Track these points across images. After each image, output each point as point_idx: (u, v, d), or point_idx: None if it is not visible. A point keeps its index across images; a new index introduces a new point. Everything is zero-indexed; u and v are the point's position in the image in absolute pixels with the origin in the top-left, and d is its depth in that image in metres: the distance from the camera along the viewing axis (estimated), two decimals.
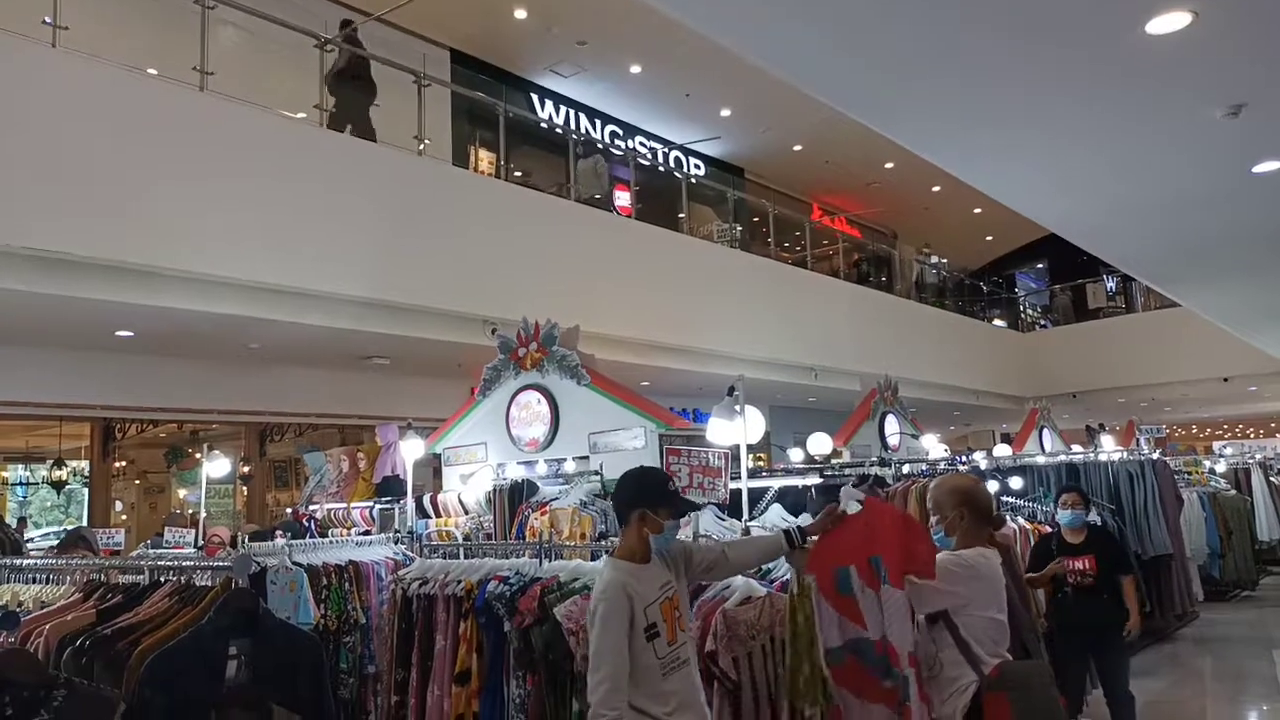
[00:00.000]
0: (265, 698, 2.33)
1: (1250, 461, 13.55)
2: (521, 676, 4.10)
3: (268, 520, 10.54)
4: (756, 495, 5.48)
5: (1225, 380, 17.75)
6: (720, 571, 3.37)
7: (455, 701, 4.27)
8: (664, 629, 3.02)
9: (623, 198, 13.52)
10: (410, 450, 6.50)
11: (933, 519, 3.50)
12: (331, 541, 5.60)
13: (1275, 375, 17.22)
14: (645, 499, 3.13)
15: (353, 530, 7.13)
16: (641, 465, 3.42)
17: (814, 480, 5.69)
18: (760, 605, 3.63)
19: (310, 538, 6.34)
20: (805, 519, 4.66)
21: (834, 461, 7.66)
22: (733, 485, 4.66)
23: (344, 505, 7.45)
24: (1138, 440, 12.36)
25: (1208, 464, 13.36)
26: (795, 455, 9.17)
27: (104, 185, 6.89)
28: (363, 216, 8.53)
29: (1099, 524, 5.49)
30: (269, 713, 2.32)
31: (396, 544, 5.69)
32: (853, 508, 3.31)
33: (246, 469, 11.20)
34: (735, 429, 4.48)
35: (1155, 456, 9.62)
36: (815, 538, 3.31)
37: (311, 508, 7.63)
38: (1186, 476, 11.38)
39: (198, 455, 10.28)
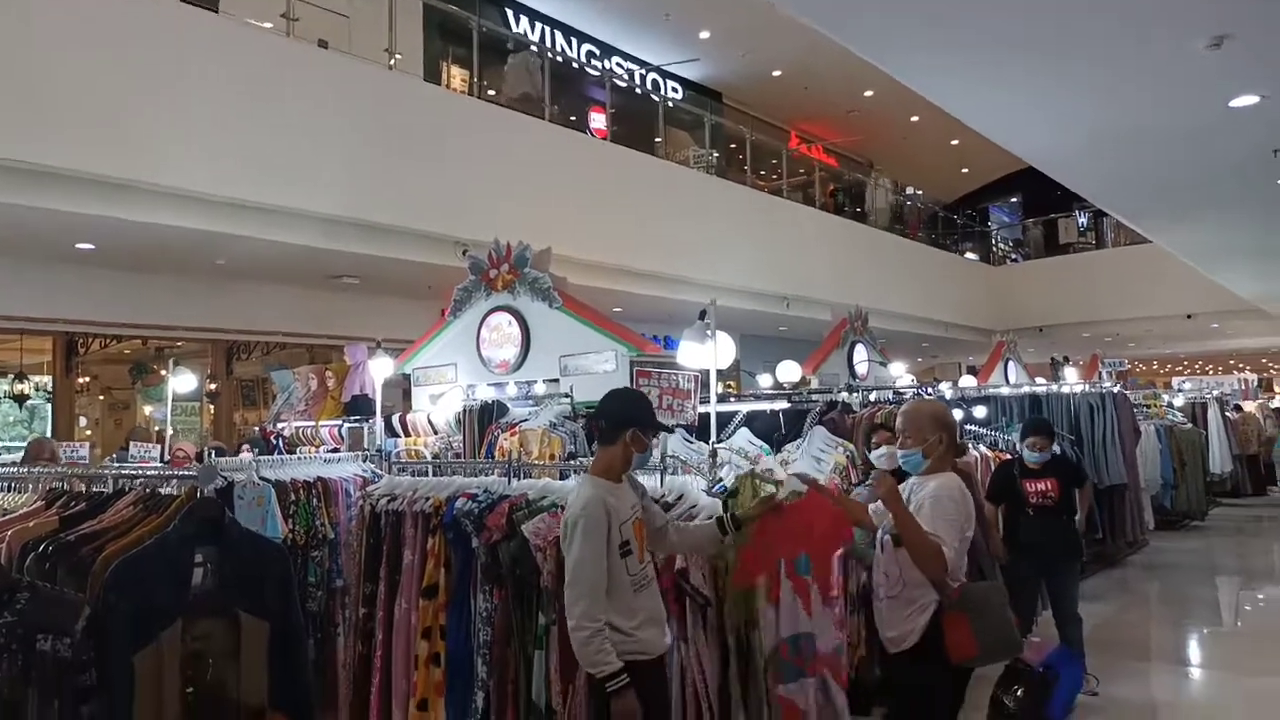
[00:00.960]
0: (232, 606, 2.34)
1: (1208, 397, 13.84)
2: (488, 591, 4.15)
3: (235, 440, 10.50)
4: (724, 419, 5.53)
5: (1189, 317, 18.05)
6: (659, 543, 3.34)
7: (422, 615, 4.33)
8: (635, 547, 3.08)
9: (598, 120, 13.29)
10: (379, 369, 6.47)
11: (905, 439, 3.47)
12: (299, 458, 5.59)
13: (1237, 313, 17.54)
14: (638, 418, 3.19)
15: (321, 448, 7.12)
16: (625, 386, 3.45)
17: (782, 405, 5.73)
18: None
19: (278, 455, 6.34)
20: (769, 461, 4.72)
21: (802, 390, 7.72)
22: (702, 409, 4.69)
23: (312, 423, 7.43)
24: (1100, 374, 12.57)
25: (1166, 398, 13.62)
26: (765, 381, 9.23)
27: (66, 94, 6.66)
28: (333, 132, 8.34)
29: (1059, 452, 5.60)
30: (236, 621, 2.33)
31: (365, 462, 5.70)
32: (795, 485, 3.41)
33: (213, 387, 11.10)
34: (706, 353, 4.49)
35: (1116, 389, 9.80)
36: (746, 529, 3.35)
37: (279, 425, 7.61)
38: (1145, 410, 11.60)
39: (163, 372, 10.18)
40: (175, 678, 2.22)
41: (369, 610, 4.55)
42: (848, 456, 4.90)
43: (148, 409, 12.32)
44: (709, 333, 4.45)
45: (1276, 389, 29.04)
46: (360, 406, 7.28)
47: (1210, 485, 12.80)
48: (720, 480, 4.06)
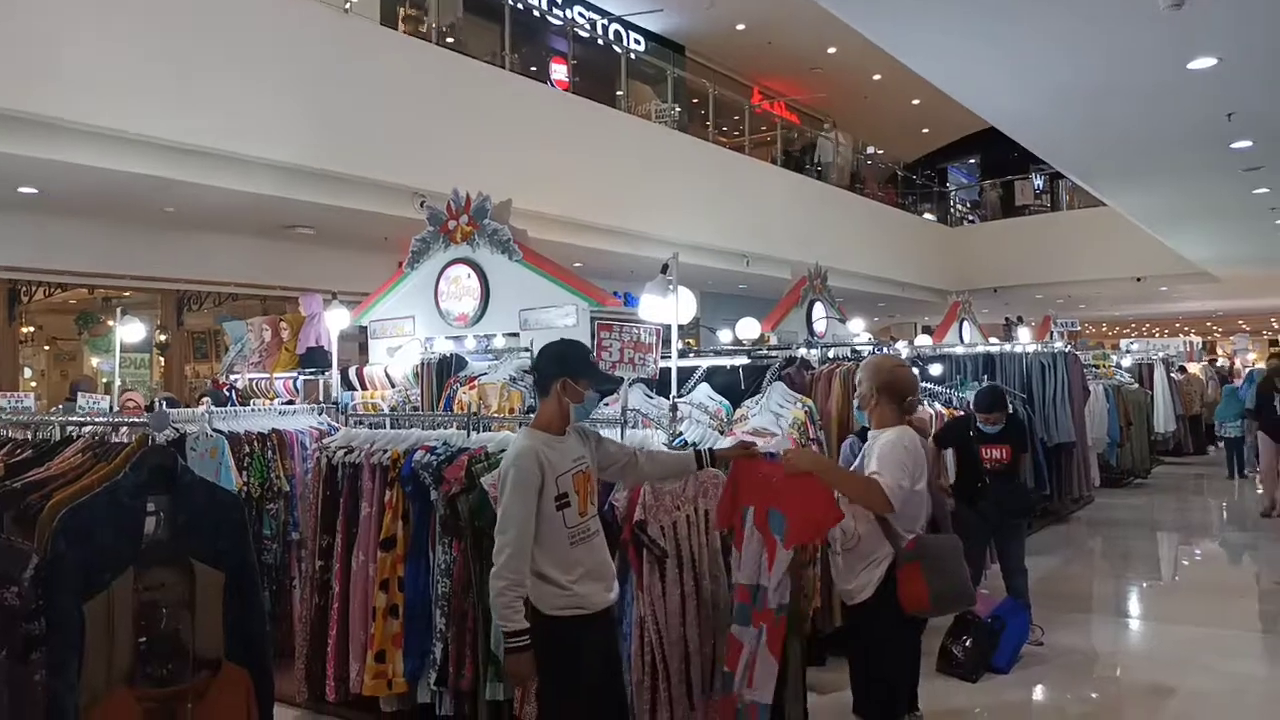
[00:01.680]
0: (186, 555, 2.30)
1: (1154, 358, 14.16)
2: (447, 543, 4.15)
3: (186, 393, 10.30)
4: (685, 375, 5.53)
5: (1138, 280, 18.40)
6: (630, 474, 3.34)
7: (380, 566, 4.31)
8: (575, 500, 3.04)
9: (560, 71, 13.07)
10: (335, 320, 6.37)
11: (862, 392, 3.54)
12: (254, 410, 5.51)
13: (1184, 276, 17.91)
14: (568, 367, 3.13)
15: (275, 401, 7.02)
16: (561, 339, 3.41)
17: (742, 361, 5.75)
18: (685, 477, 3.70)
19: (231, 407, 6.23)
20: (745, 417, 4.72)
21: (762, 346, 7.75)
22: (662, 364, 4.69)
23: (266, 375, 7.32)
24: (1052, 334, 12.79)
25: (1115, 359, 13.92)
26: (725, 337, 9.27)
27: (3, 30, 6.36)
28: (287, 77, 8.11)
29: (1012, 411, 5.72)
30: (190, 570, 2.29)
31: (321, 414, 5.64)
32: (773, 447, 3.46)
33: (163, 338, 10.86)
34: (667, 306, 4.48)
35: (1066, 350, 9.99)
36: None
37: (232, 377, 7.48)
38: (1094, 370, 11.85)
39: (110, 322, 9.94)
40: (128, 627, 2.18)
41: (326, 563, 4.53)
42: (806, 412, 4.93)
43: (95, 360, 12.03)
44: (671, 286, 4.43)
45: (1219, 352, 29.81)
46: (316, 358, 7.17)
47: (1154, 444, 13.15)
48: (681, 434, 4.08)
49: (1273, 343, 34.60)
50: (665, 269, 4.51)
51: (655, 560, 3.53)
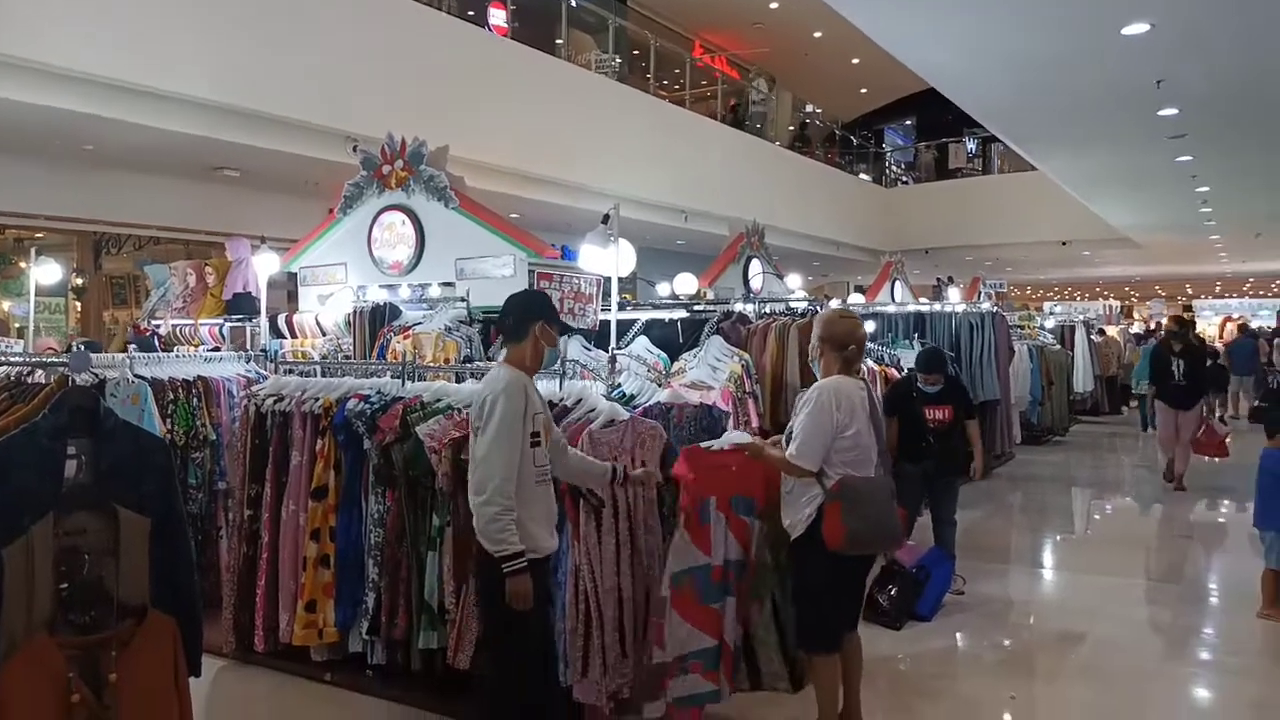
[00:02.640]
0: (109, 500, 2.22)
1: (1076, 320, 14.59)
2: (380, 492, 4.10)
3: (105, 339, 9.94)
4: (623, 327, 5.53)
5: (1064, 244, 18.89)
6: (555, 458, 3.29)
7: (311, 516, 4.25)
8: (544, 441, 3.10)
9: (498, 16, 12.74)
10: (264, 266, 6.18)
11: (812, 344, 3.71)
12: (178, 356, 5.34)
13: (1107, 241, 18.44)
14: (544, 311, 3.21)
15: (200, 348, 6.82)
16: (528, 288, 3.45)
17: (680, 315, 5.76)
18: (623, 429, 3.71)
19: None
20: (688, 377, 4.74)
21: (700, 302, 7.77)
22: (602, 316, 4.67)
23: (191, 322, 7.10)
24: (980, 295, 13.08)
25: (1039, 320, 14.32)
26: (663, 290, 9.28)
27: None
28: (214, 12, 7.74)
29: (952, 374, 5.86)
30: (114, 516, 2.22)
31: (249, 362, 5.50)
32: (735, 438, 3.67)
33: (80, 281, 10.44)
34: (608, 257, 4.44)
35: (994, 310, 10.23)
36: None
37: (154, 323, 7.23)
38: (1020, 330, 12.18)
39: (24, 264, 9.51)
40: (48, 573, 2.11)
41: (254, 512, 4.45)
42: (743, 365, 4.97)
43: (7, 304, 11.52)
44: (611, 237, 4.40)
45: (1136, 315, 30.90)
46: (243, 305, 6.97)
47: (1073, 403, 13.61)
48: (619, 385, 4.08)
49: (1186, 308, 36.01)
50: (606, 219, 4.47)
51: (592, 510, 3.55)
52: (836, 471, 3.43)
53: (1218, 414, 16.06)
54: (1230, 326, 22.38)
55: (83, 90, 7.01)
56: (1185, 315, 11.24)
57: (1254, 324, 25.47)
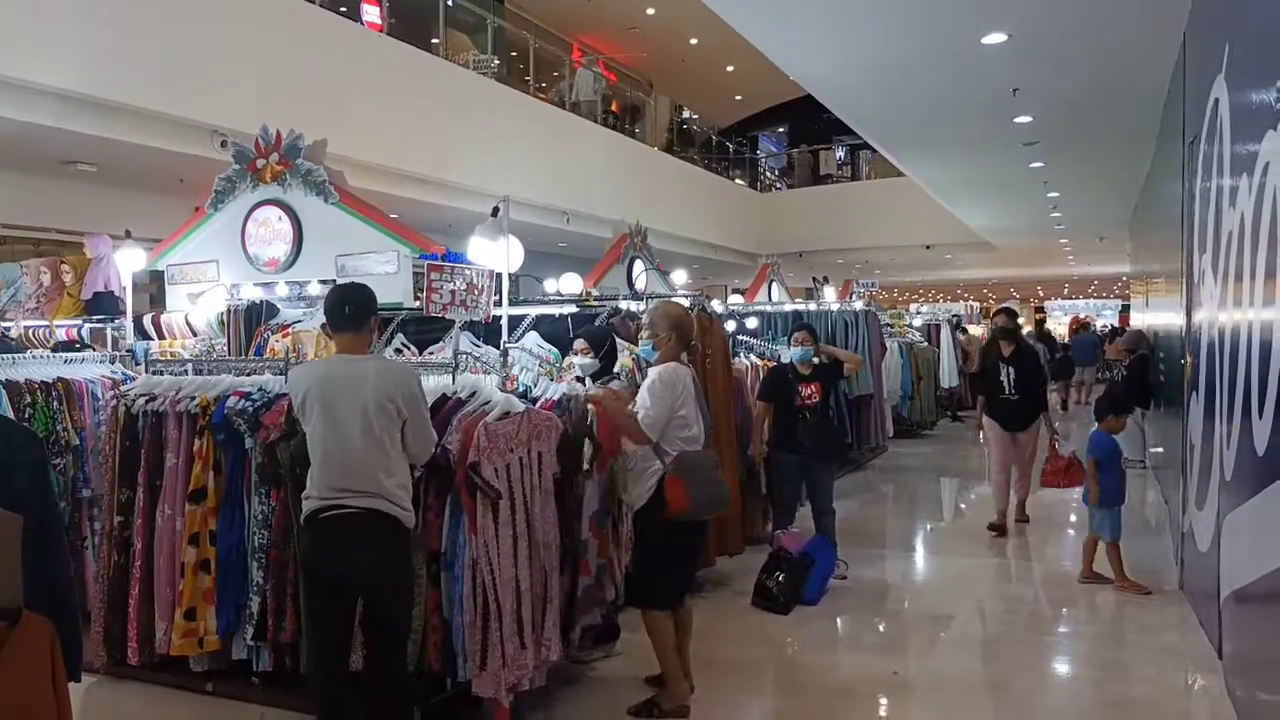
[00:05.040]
0: None
1: (942, 319, 15.32)
2: (265, 492, 3.97)
3: None
4: (513, 323, 5.50)
5: (928, 248, 19.81)
6: None
7: (189, 520, 4.07)
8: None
9: (371, 12, 12.45)
10: (129, 261, 5.87)
11: (644, 334, 4.18)
12: (35, 357, 5.02)
13: (968, 245, 19.44)
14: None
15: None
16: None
17: (570, 310, 5.78)
18: (519, 420, 3.70)
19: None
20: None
21: (590, 301, 7.80)
22: (494, 310, 4.64)
23: (46, 323, 6.65)
24: (852, 295, 13.59)
25: (908, 318, 14.97)
26: (550, 286, 9.30)
27: None
28: None
29: (822, 363, 6.09)
30: None
31: (114, 363, 5.21)
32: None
33: None
34: (498, 250, 4.42)
35: (867, 308, 10.66)
36: None
37: (5, 325, 6.74)
38: (890, 329, 12.71)
39: None
40: None
41: (125, 518, 4.22)
42: (634, 358, 5.03)
43: None
44: (501, 230, 4.37)
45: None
46: (104, 305, 6.58)
47: (940, 398, 14.28)
48: (519, 380, 4.07)
49: (1039, 309, 38.27)
50: (495, 213, 4.44)
51: (489, 502, 3.52)
52: (675, 448, 3.85)
53: (1068, 399, 17.54)
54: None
55: None
56: (1015, 309, 8.35)
57: (1099, 322, 28.61)
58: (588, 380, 4.66)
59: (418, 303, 4.93)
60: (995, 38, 6.25)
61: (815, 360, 6.06)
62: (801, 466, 5.96)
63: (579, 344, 5.16)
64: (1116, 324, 27.22)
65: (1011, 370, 7.09)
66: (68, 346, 6.29)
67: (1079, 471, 6.38)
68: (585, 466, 4.04)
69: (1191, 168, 5.30)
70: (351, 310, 3.35)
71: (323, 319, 5.52)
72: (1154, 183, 9.57)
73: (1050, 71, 7.05)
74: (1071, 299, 39.18)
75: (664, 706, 3.88)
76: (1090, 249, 20.70)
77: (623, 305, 6.25)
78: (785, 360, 6.42)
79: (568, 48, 18.65)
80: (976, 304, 28.15)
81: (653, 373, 3.94)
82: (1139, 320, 13.28)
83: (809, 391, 5.91)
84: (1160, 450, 8.84)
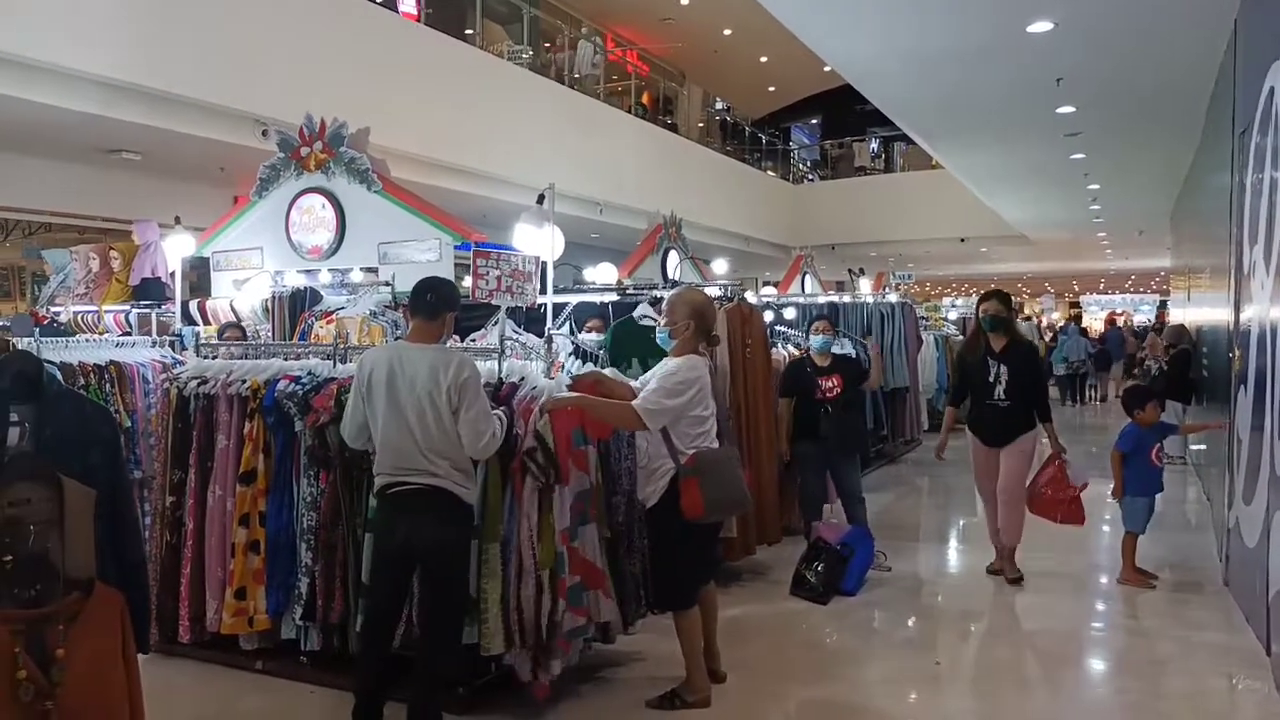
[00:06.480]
0: (53, 470, 2.12)
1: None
2: (313, 475, 4.02)
3: None
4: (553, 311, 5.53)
5: (962, 241, 19.60)
6: None
7: (240, 501, 4.14)
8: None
9: (407, 2, 12.52)
10: (178, 247, 5.95)
11: (663, 320, 4.00)
12: (88, 340, 5.11)
13: (1003, 238, 19.21)
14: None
15: (105, 336, 6.51)
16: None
17: (612, 298, 5.82)
18: None
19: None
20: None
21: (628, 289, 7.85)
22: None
23: (95, 308, 6.78)
24: (886, 288, 13.51)
25: (944, 311, 14.88)
26: (591, 274, 9.39)
27: None
28: None
29: (849, 355, 6.09)
30: (58, 485, 2.12)
31: (166, 347, 5.30)
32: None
33: None
34: (543, 237, 4.44)
35: (904, 301, 10.59)
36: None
37: (54, 310, 6.87)
38: (926, 321, 12.62)
39: None
40: None
41: (178, 499, 4.30)
42: None
43: None
44: (547, 218, 4.39)
45: (1027, 310, 32.34)
46: (152, 290, 6.70)
47: None
48: (564, 366, 4.09)
49: (1074, 304, 37.81)
50: (541, 200, 4.47)
51: (538, 487, 3.57)
52: (689, 446, 3.66)
53: (1097, 396, 17.56)
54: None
55: None
56: (1007, 293, 5.91)
57: (1136, 318, 29.51)
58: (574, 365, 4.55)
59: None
60: (1041, 26, 6.17)
61: (835, 350, 6.07)
62: (825, 459, 5.96)
63: (592, 322, 5.21)
64: (1154, 320, 26.87)
65: (1004, 369, 5.57)
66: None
67: (1079, 510, 5.51)
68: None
69: (1242, 159, 5.21)
70: (431, 299, 3.49)
71: (367, 306, 5.64)
72: (1199, 174, 9.42)
73: (1095, 61, 6.96)
74: (1108, 294, 38.65)
75: (686, 698, 3.81)
76: (1129, 243, 20.41)
77: (660, 295, 6.27)
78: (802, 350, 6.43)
79: (602, 38, 18.65)
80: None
81: (671, 363, 3.74)
82: (1179, 315, 13.09)
83: (830, 384, 5.91)
84: (1202, 446, 8.73)
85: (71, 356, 4.77)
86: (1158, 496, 5.75)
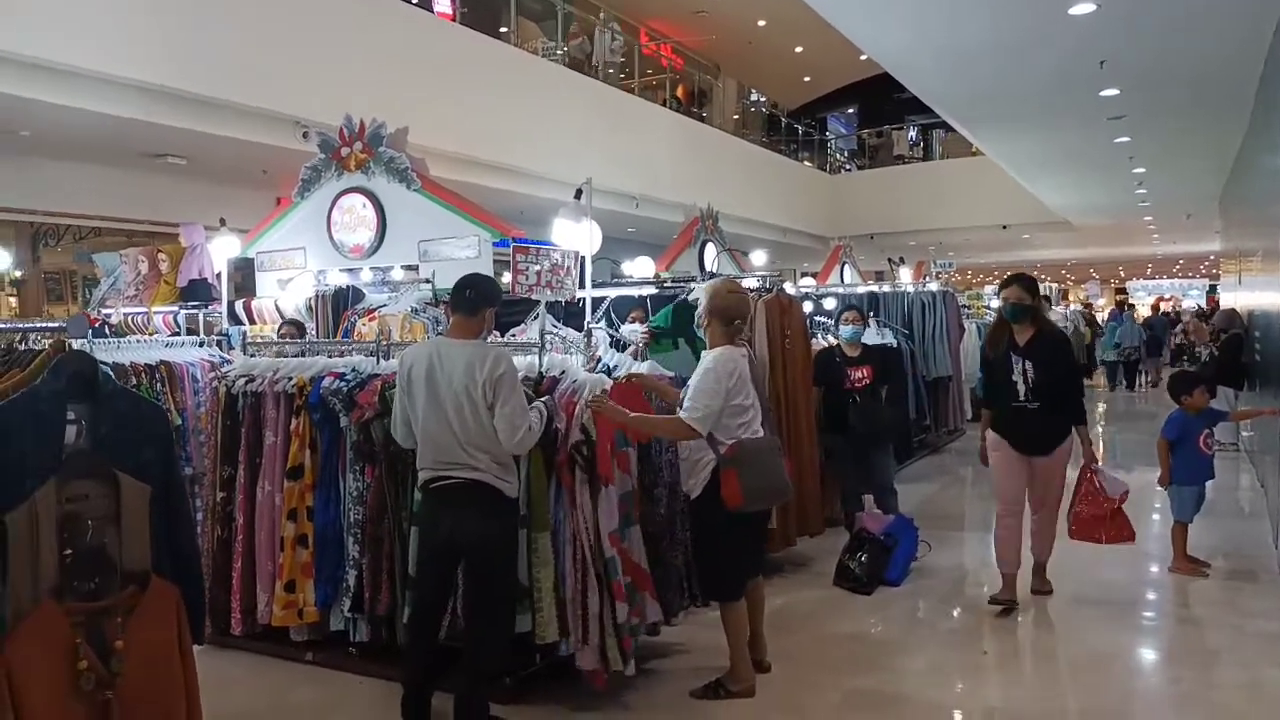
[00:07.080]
0: (110, 466, 2.18)
1: None
2: (359, 470, 4.08)
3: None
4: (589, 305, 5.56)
5: (1004, 228, 19.33)
6: None
7: (287, 496, 4.21)
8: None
9: (442, 2, 12.61)
10: (222, 249, 6.07)
11: (699, 312, 3.91)
12: (138, 341, 5.23)
13: (1046, 225, 18.92)
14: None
15: (154, 337, 6.65)
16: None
17: (649, 292, 5.84)
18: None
19: None
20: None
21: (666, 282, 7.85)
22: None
23: (144, 310, 6.93)
24: (926, 277, 13.36)
25: (986, 299, 14.67)
26: (628, 268, 9.42)
27: None
28: None
29: (887, 344, 6.05)
30: (115, 481, 2.18)
31: (215, 346, 5.40)
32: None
33: (19, 273, 10.09)
34: (581, 232, 4.46)
35: (945, 290, 10.46)
36: None
37: (105, 312, 7.04)
38: (968, 309, 12.46)
39: None
40: (51, 540, 2.07)
41: (228, 494, 4.39)
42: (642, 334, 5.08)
43: None
44: (585, 212, 4.41)
45: (1070, 298, 31.83)
46: (199, 291, 6.83)
47: None
48: (601, 359, 4.11)
49: (1120, 290, 37.11)
50: (579, 195, 4.48)
51: (588, 479, 3.60)
52: (729, 437, 3.66)
53: (1145, 381, 17.35)
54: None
55: (18, 73, 6.77)
56: (1033, 277, 5.08)
57: (1185, 303, 29.24)
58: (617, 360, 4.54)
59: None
60: (1083, 8, 6.06)
61: (874, 340, 6.03)
62: (856, 449, 5.93)
63: (635, 313, 5.22)
64: (1204, 305, 26.34)
65: (1029, 366, 4.82)
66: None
67: (1125, 525, 4.99)
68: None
69: None
70: (471, 295, 3.52)
71: (408, 304, 5.71)
72: (1250, 156, 9.19)
73: (1140, 42, 6.82)
74: (1155, 279, 37.87)
75: (730, 688, 3.82)
76: (1176, 226, 19.98)
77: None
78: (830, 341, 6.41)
79: (636, 33, 18.64)
80: (1055, 285, 27.43)
81: (705, 360, 3.74)
82: (1230, 300, 12.79)
83: (859, 375, 5.89)
84: (1255, 433, 8.53)
85: (123, 357, 4.87)
86: (1209, 484, 5.64)
